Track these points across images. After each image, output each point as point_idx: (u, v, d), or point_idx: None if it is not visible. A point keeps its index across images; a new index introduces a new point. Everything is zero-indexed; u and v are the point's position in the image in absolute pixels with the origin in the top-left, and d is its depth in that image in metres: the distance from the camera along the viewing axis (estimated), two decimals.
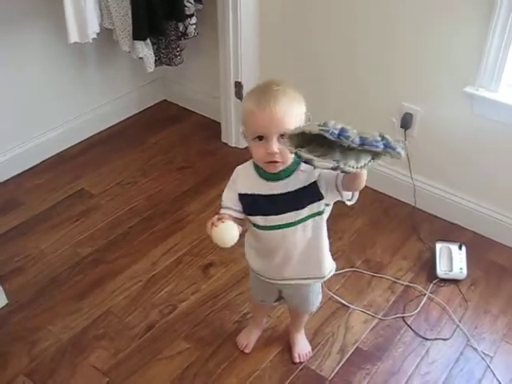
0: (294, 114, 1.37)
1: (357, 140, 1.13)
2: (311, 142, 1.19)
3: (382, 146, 1.13)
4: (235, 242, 1.43)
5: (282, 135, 1.36)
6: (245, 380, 1.89)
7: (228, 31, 2.63)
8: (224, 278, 2.24)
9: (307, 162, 1.20)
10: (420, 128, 2.41)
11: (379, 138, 1.14)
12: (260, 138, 1.39)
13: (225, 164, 2.79)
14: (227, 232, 1.42)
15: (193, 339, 2.01)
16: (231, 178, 1.57)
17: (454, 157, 2.39)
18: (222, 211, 1.55)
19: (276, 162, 1.41)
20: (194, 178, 2.76)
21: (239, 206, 1.54)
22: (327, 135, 1.13)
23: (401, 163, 2.44)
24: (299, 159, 1.22)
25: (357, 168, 1.17)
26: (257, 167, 1.50)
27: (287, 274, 1.63)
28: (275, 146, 1.38)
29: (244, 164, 1.56)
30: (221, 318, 2.09)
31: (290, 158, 1.42)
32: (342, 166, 1.16)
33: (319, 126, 1.15)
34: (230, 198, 1.55)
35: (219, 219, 1.42)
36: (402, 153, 1.14)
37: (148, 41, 2.63)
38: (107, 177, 2.76)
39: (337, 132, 1.13)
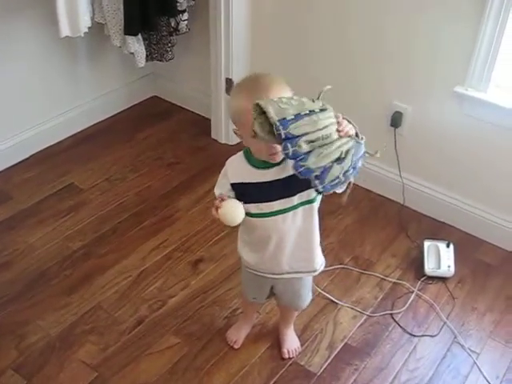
0: None
1: (292, 153, 1.20)
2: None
3: (300, 169, 1.22)
4: (243, 217, 1.48)
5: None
6: (234, 375, 1.90)
7: (219, 28, 2.62)
8: (213, 274, 2.25)
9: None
10: (409, 127, 2.43)
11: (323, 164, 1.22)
12: None
13: (214, 160, 2.78)
14: (233, 209, 1.47)
15: (182, 334, 2.01)
16: (222, 170, 1.58)
17: (443, 156, 2.41)
18: None
19: (278, 152, 1.41)
20: (184, 174, 2.76)
21: (232, 195, 1.55)
22: (276, 133, 1.20)
23: (390, 161, 2.47)
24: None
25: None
26: (248, 156, 1.51)
27: (280, 268, 1.64)
28: None
29: (234, 155, 1.57)
30: (210, 314, 2.09)
31: None
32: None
33: (281, 120, 1.20)
34: (222, 189, 1.56)
35: (221, 200, 1.45)
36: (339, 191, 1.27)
37: (139, 36, 2.62)
38: (96, 172, 2.75)
39: (284, 136, 1.19)
